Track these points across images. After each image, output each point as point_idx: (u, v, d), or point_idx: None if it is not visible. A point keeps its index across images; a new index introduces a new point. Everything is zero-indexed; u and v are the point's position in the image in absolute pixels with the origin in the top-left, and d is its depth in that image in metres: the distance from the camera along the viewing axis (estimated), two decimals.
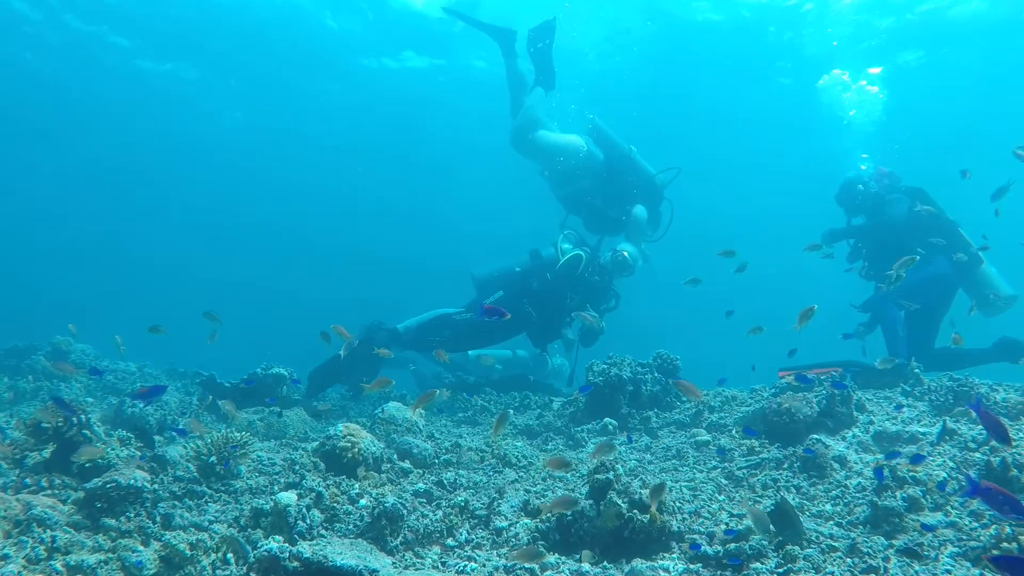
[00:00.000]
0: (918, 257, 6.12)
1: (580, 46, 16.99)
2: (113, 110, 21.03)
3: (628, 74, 17.92)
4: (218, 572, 2.93)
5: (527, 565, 2.75)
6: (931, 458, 3.87)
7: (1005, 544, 2.85)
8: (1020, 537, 2.87)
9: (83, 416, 3.83)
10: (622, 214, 8.29)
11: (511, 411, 6.44)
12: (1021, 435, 4.04)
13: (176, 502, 3.52)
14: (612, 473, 3.10)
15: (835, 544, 2.92)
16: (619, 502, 2.96)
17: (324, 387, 7.14)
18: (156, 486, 3.57)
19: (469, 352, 8.52)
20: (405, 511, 3.01)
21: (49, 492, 3.46)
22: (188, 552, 2.94)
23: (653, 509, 2.95)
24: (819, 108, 15.69)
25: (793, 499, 3.55)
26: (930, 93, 17.68)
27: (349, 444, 3.72)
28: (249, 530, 3.17)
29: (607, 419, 5.25)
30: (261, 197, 29.21)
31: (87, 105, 20.73)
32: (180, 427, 4.98)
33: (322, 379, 7.04)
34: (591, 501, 3.06)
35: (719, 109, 20.11)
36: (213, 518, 3.39)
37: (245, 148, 24.51)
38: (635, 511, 2.97)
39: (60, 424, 3.75)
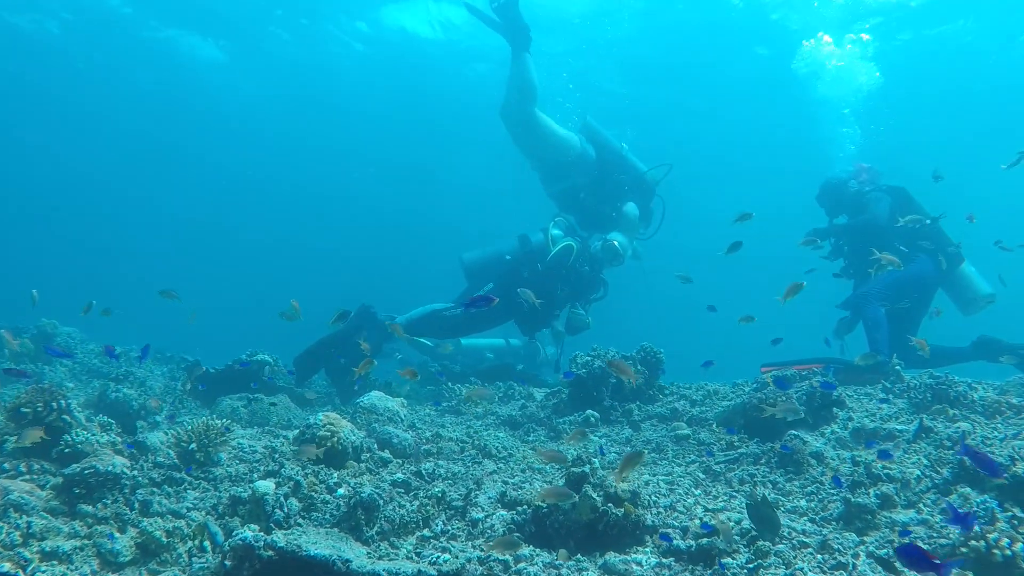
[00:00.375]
0: (900, 260, 6.21)
1: (568, 15, 16.84)
2: (106, 91, 20.89)
3: (616, 46, 17.83)
4: (194, 559, 2.95)
5: (502, 556, 2.77)
6: (907, 455, 3.91)
7: (973, 542, 2.90)
8: (988, 535, 2.91)
9: (63, 401, 3.83)
10: (614, 211, 8.31)
11: (494, 394, 6.47)
12: (995, 433, 4.09)
13: (155, 489, 3.52)
14: (588, 466, 3.13)
15: (807, 540, 2.96)
16: (594, 495, 2.98)
17: (311, 373, 7.15)
18: (135, 472, 3.58)
19: (461, 341, 8.55)
20: (381, 501, 3.03)
21: (28, 477, 3.46)
22: (164, 539, 2.96)
23: (619, 482, 2.98)
24: (804, 79, 15.73)
25: (769, 494, 3.59)
26: (920, 68, 17.57)
27: (329, 433, 3.73)
28: (227, 518, 3.18)
29: (589, 411, 5.28)
30: (251, 184, 29.12)
31: (80, 87, 20.59)
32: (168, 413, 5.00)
33: (308, 365, 7.05)
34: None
35: (704, 83, 19.89)
36: (192, 505, 3.40)
37: (236, 135, 24.39)
38: (610, 504, 2.99)
39: (40, 409, 3.75)
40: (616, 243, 7.83)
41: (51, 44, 18.41)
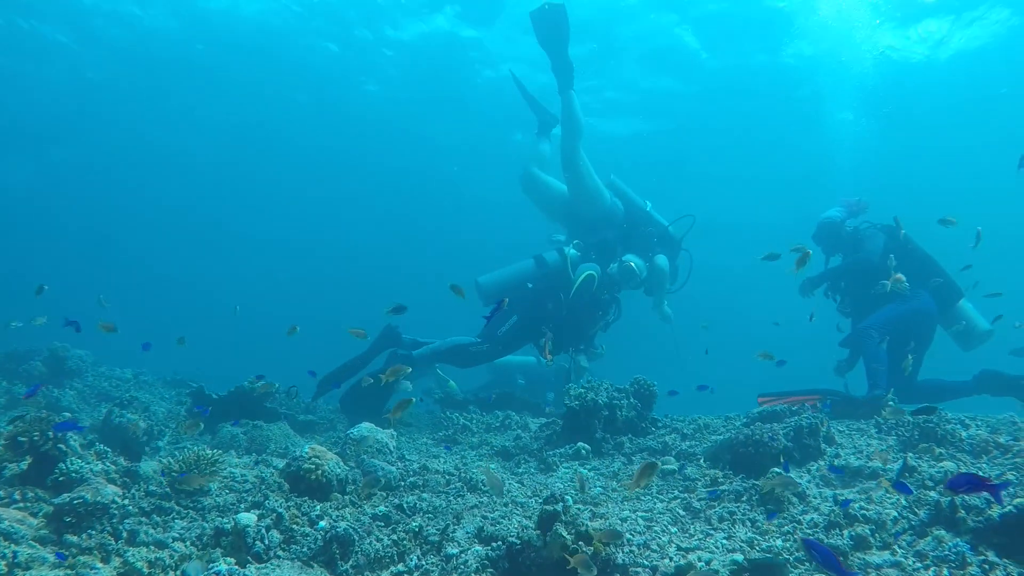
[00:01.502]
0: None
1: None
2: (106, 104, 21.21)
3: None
4: None
5: None
6: (888, 495, 3.92)
7: None
8: None
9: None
10: (645, 260, 8.41)
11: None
12: (979, 473, 4.08)
13: (144, 518, 3.62)
14: (561, 504, 3.18)
15: None
16: (564, 534, 3.03)
17: (327, 391, 7.26)
18: (126, 502, 3.68)
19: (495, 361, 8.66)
20: (356, 536, 3.10)
21: (21, 505, 3.58)
22: (146, 570, 3.04)
23: (635, 488, 3.04)
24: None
25: (746, 533, 3.62)
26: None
27: (313, 466, 3.82)
28: (209, 549, 3.27)
29: (580, 443, 5.33)
30: (266, 204, 29.46)
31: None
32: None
33: (330, 384, 7.17)
34: (539, 531, 3.14)
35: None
36: (177, 535, 3.48)
37: (247, 154, 24.70)
38: (580, 543, 3.04)
39: (36, 437, 3.87)
40: (633, 264, 7.92)
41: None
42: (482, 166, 23.63)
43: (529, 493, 4.30)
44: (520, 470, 5.10)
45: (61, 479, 3.75)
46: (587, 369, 8.41)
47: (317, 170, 26.32)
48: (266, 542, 3.24)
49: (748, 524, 3.76)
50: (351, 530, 3.08)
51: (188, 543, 3.37)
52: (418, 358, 7.50)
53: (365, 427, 4.85)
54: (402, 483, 4.28)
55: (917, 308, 6.92)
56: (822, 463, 4.60)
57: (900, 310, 6.83)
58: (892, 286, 6.18)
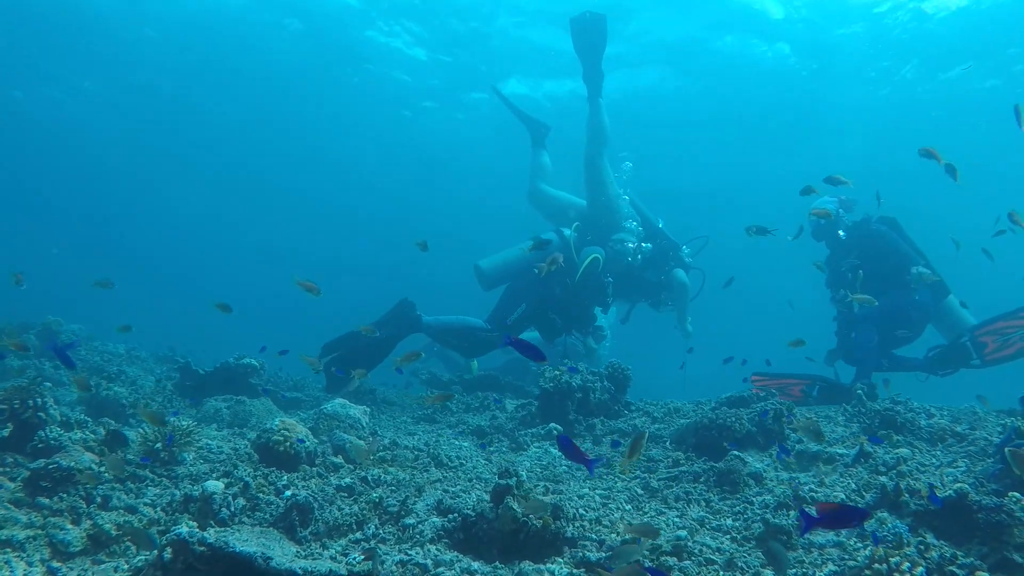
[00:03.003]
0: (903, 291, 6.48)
1: None
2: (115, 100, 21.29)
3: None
4: (141, 551, 3.17)
5: (422, 560, 2.96)
6: (840, 479, 4.05)
7: (877, 565, 3.04)
8: (891, 559, 3.05)
9: (39, 399, 4.09)
10: (662, 275, 8.49)
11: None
12: (932, 460, 4.21)
13: (118, 485, 3.75)
14: (515, 479, 3.30)
15: (714, 558, 3.11)
16: (515, 507, 3.16)
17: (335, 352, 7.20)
18: (102, 468, 3.81)
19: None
20: (316, 504, 3.23)
21: (1, 470, 3.72)
22: (114, 532, 3.19)
23: (626, 463, 3.15)
24: None
25: (698, 512, 3.75)
26: None
27: (282, 438, 3.95)
28: (177, 514, 3.41)
29: (552, 424, 5.45)
30: (266, 189, 29.55)
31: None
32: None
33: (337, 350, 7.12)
34: (492, 504, 3.27)
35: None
36: (149, 501, 3.62)
37: (250, 146, 24.77)
38: (530, 516, 3.17)
39: (17, 405, 4.01)
40: (630, 244, 8.04)
41: None
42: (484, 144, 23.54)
43: (495, 470, 4.42)
44: (492, 448, 5.23)
45: (40, 446, 3.89)
46: (595, 350, 8.49)
47: (321, 154, 26.38)
48: (231, 508, 3.38)
49: (702, 504, 3.89)
50: (311, 498, 3.22)
51: (158, 509, 3.51)
52: (427, 325, 7.50)
53: (338, 403, 4.98)
54: (370, 457, 4.41)
55: (916, 301, 7.05)
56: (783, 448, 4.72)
57: (901, 302, 6.97)
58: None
